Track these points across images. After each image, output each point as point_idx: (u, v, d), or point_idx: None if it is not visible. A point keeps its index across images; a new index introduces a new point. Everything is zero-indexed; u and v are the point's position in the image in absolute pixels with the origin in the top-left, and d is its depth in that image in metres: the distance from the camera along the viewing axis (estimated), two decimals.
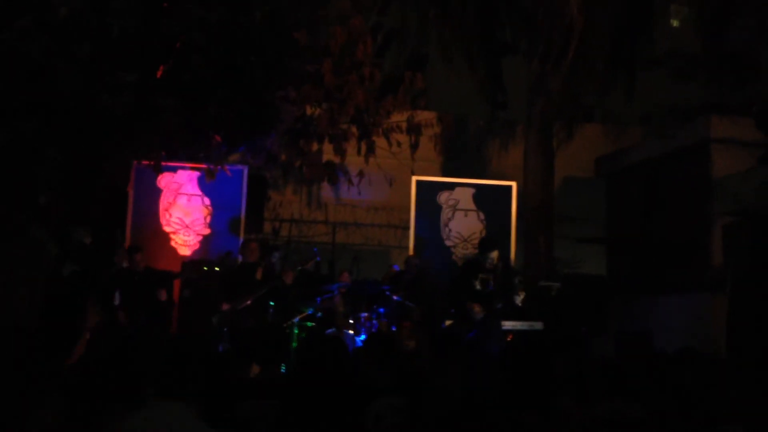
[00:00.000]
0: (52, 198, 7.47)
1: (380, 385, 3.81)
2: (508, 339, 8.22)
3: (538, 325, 8.55)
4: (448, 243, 9.90)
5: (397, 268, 10.06)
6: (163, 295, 7.65)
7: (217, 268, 8.53)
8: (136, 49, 6.93)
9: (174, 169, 9.23)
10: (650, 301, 7.58)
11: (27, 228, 7.34)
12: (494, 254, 7.31)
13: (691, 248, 10.46)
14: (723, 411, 3.32)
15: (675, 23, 17.29)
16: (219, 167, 9.02)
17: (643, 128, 13.90)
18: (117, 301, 7.78)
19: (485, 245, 7.51)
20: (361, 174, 11.00)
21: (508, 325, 8.27)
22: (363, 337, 8.21)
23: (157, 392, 3.58)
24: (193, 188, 9.30)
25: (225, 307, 7.76)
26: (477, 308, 7.12)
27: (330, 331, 8.44)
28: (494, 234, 9.76)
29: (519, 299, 7.20)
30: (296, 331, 7.95)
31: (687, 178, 10.98)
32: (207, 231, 9.32)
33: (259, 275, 7.89)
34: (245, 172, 9.48)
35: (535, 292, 10.50)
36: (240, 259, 8.56)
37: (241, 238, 9.24)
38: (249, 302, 7.74)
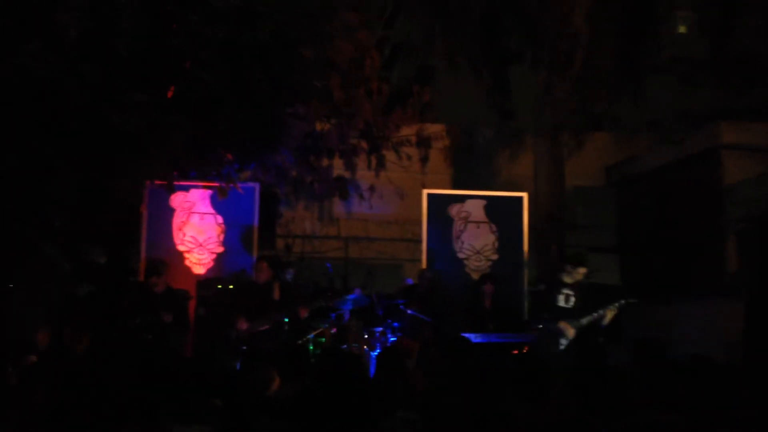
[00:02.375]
0: (65, 218, 7.52)
1: (393, 400, 3.80)
2: (524, 351, 8.19)
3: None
4: (460, 255, 9.88)
5: (410, 281, 10.05)
6: (168, 318, 7.56)
7: (231, 286, 8.54)
8: (146, 68, 6.98)
9: (186, 188, 9.28)
10: (664, 309, 7.54)
11: (40, 247, 7.41)
12: (582, 270, 7.15)
13: (705, 255, 10.41)
14: (740, 419, 3.28)
15: (682, 29, 17.28)
16: (231, 185, 9.05)
17: (652, 135, 13.87)
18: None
19: (575, 260, 7.30)
20: (371, 188, 11.04)
21: (521, 336, 8.25)
22: (378, 351, 8.19)
23: (174, 413, 3.59)
24: (206, 207, 9.34)
25: (244, 326, 7.69)
26: (563, 324, 6.97)
27: (344, 347, 8.41)
28: (510, 244, 9.73)
29: (606, 319, 7.02)
30: (311, 348, 7.93)
31: (698, 184, 10.95)
32: (220, 249, 9.34)
33: (276, 294, 7.81)
34: (257, 189, 9.52)
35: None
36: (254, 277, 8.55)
37: (255, 256, 9.25)
38: (267, 326, 7.69)
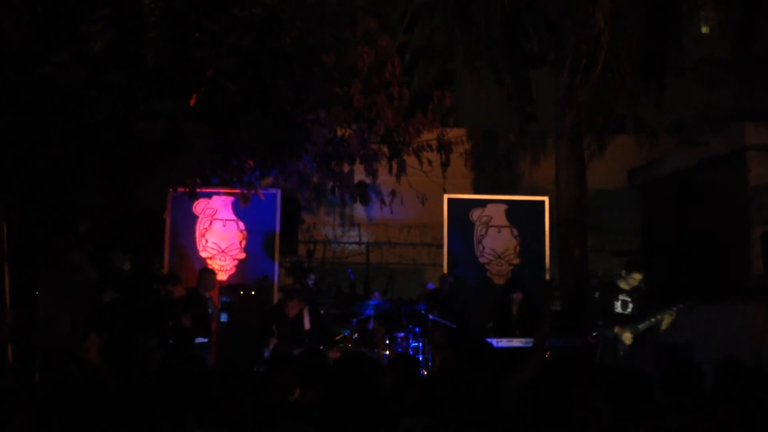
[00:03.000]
0: (90, 225, 7.61)
1: (407, 404, 3.80)
2: (546, 355, 8.15)
3: (576, 342, 8.47)
4: (482, 260, 9.87)
5: (431, 286, 10.05)
6: (187, 321, 7.59)
7: (253, 292, 8.59)
8: (170, 77, 7.06)
9: (209, 195, 9.36)
10: (689, 312, 7.45)
11: (67, 254, 7.51)
12: (637, 276, 7.07)
13: (729, 258, 10.29)
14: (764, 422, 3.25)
15: (705, 30, 17.12)
16: (252, 191, 9.12)
17: (675, 137, 13.75)
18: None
19: (631, 266, 7.21)
20: (393, 193, 11.06)
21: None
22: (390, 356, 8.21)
23: (198, 417, 3.62)
24: (228, 213, 9.42)
25: (274, 342, 7.74)
26: (623, 333, 6.89)
27: (365, 351, 8.42)
28: (532, 248, 9.72)
29: (664, 324, 6.95)
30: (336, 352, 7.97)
31: (723, 186, 10.83)
32: (242, 255, 9.41)
33: (307, 325, 7.84)
34: (278, 195, 9.58)
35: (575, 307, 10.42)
36: (276, 282, 8.60)
37: (277, 262, 9.31)
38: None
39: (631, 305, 7.02)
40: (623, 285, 7.10)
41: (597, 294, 7.39)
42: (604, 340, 7.04)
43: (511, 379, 4.14)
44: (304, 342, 7.76)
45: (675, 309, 6.88)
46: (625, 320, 6.95)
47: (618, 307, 7.05)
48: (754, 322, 9.11)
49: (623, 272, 7.16)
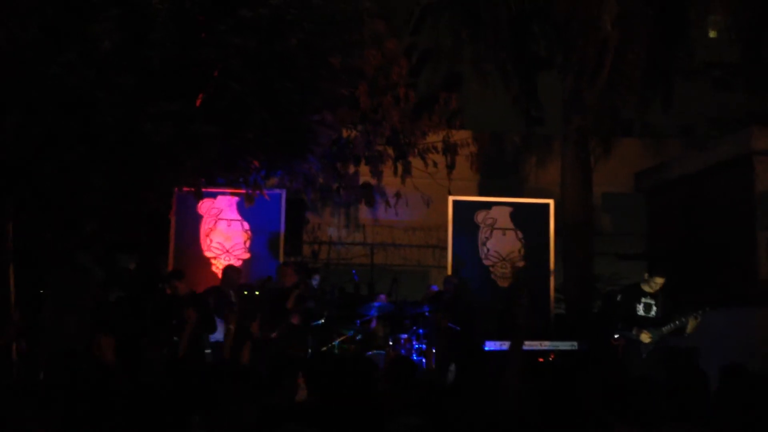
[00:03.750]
0: (97, 225, 7.64)
1: (401, 405, 3.80)
2: (550, 358, 8.16)
3: (575, 345, 8.48)
4: (486, 262, 9.86)
5: (435, 288, 10.05)
6: (192, 316, 7.55)
7: (257, 293, 8.60)
8: (177, 78, 7.09)
9: (214, 195, 9.38)
10: (700, 314, 7.41)
11: (74, 254, 7.54)
12: (659, 280, 7.02)
13: (736, 263, 10.26)
14: None
15: (713, 34, 17.08)
16: (257, 192, 9.13)
17: (682, 141, 13.73)
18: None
19: (654, 270, 7.12)
20: (398, 195, 11.08)
21: (546, 344, 8.21)
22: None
23: (203, 418, 3.63)
24: (233, 213, 9.43)
25: (255, 330, 7.69)
26: (641, 333, 6.90)
27: (370, 353, 8.43)
28: (536, 251, 9.72)
29: (689, 327, 6.91)
30: (337, 354, 7.98)
31: (729, 191, 10.79)
32: (247, 255, 9.42)
33: (290, 304, 7.79)
34: (283, 195, 9.59)
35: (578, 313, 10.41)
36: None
37: (281, 262, 9.32)
38: (274, 335, 7.70)
39: (654, 308, 7.00)
40: (646, 288, 7.08)
41: (619, 297, 7.36)
42: (627, 341, 7.03)
43: (500, 383, 4.15)
44: (280, 322, 7.70)
45: (700, 312, 6.86)
46: (648, 323, 6.93)
47: (641, 310, 7.03)
48: (760, 328, 9.08)
49: (645, 275, 7.15)
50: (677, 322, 6.89)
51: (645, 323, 6.91)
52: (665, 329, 6.89)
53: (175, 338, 7.49)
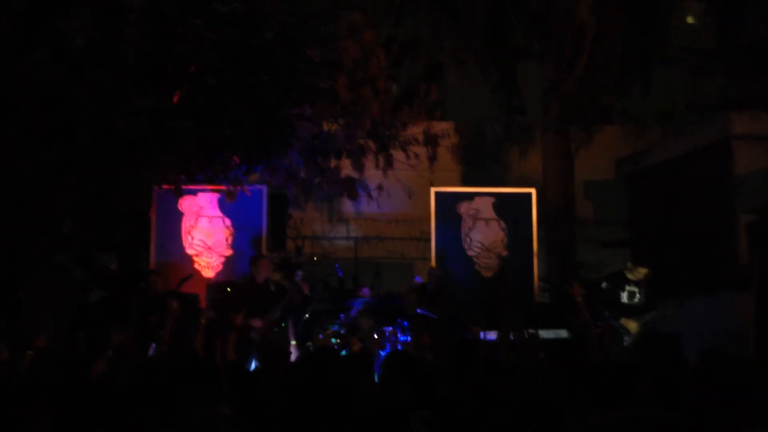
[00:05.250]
0: (75, 224, 7.56)
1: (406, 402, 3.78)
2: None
3: (563, 333, 8.49)
4: (470, 253, 9.87)
5: (419, 279, 10.04)
6: (174, 305, 7.38)
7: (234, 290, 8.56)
8: (152, 74, 7.02)
9: (194, 192, 9.31)
10: (676, 303, 7.50)
11: (52, 255, 7.47)
12: (643, 270, 7.12)
13: (716, 247, 10.34)
14: (747, 411, 3.26)
15: (689, 19, 17.14)
16: (238, 188, 9.08)
17: (662, 128, 13.79)
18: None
19: (638, 260, 7.35)
20: (380, 188, 11.06)
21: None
22: (387, 351, 8.20)
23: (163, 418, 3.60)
24: (214, 210, 9.37)
25: (239, 322, 7.51)
26: (624, 320, 6.95)
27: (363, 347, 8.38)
28: (519, 240, 9.75)
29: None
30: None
31: (709, 176, 10.87)
32: (229, 252, 9.36)
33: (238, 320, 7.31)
34: (265, 191, 9.54)
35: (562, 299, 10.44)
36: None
37: (264, 257, 9.26)
38: (259, 323, 7.59)
39: (638, 296, 7.06)
40: (630, 276, 7.15)
41: (604, 284, 7.41)
42: (611, 330, 7.08)
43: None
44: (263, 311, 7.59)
45: (680, 301, 6.98)
46: (631, 311, 6.99)
47: (625, 298, 7.10)
48: (739, 312, 9.14)
49: (629, 265, 7.21)
50: (659, 310, 6.97)
51: (629, 311, 6.96)
52: (648, 317, 6.96)
53: (159, 333, 7.44)
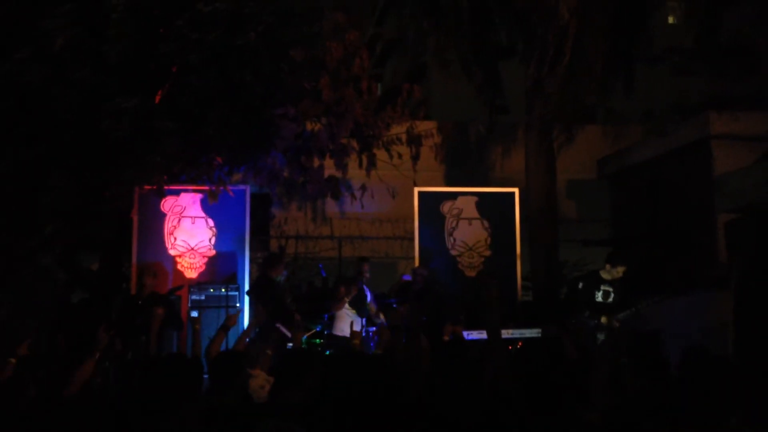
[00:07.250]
0: (57, 225, 7.51)
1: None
2: (518, 346, 8.22)
3: (550, 331, 8.56)
4: (453, 252, 9.90)
5: (408, 277, 10.06)
6: (159, 311, 7.39)
7: (224, 289, 8.54)
8: (134, 74, 6.99)
9: (177, 193, 9.26)
10: (653, 301, 7.59)
11: (34, 256, 7.41)
12: (621, 269, 7.20)
13: (696, 246, 10.44)
14: (729, 409, 3.30)
15: (671, 19, 17.29)
16: (221, 188, 9.05)
17: (644, 127, 13.91)
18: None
19: (615, 259, 7.32)
20: (363, 188, 11.05)
21: (514, 332, 8.28)
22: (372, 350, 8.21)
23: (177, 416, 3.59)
24: (197, 210, 9.32)
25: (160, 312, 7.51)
26: (603, 319, 7.05)
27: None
28: (503, 240, 9.79)
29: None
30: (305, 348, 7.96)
31: (689, 175, 10.97)
32: (212, 252, 9.32)
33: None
34: (248, 191, 9.50)
35: (545, 299, 10.51)
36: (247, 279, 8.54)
37: (248, 258, 9.25)
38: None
39: (612, 295, 7.16)
40: (605, 275, 7.25)
41: (581, 284, 7.49)
42: (581, 328, 7.16)
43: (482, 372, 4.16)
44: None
45: (655, 300, 7.07)
46: (604, 309, 7.09)
47: (599, 297, 7.19)
48: (718, 311, 9.23)
49: (607, 266, 7.30)
50: (633, 309, 7.09)
51: (603, 310, 7.07)
52: (621, 316, 7.08)
53: (143, 337, 7.41)
